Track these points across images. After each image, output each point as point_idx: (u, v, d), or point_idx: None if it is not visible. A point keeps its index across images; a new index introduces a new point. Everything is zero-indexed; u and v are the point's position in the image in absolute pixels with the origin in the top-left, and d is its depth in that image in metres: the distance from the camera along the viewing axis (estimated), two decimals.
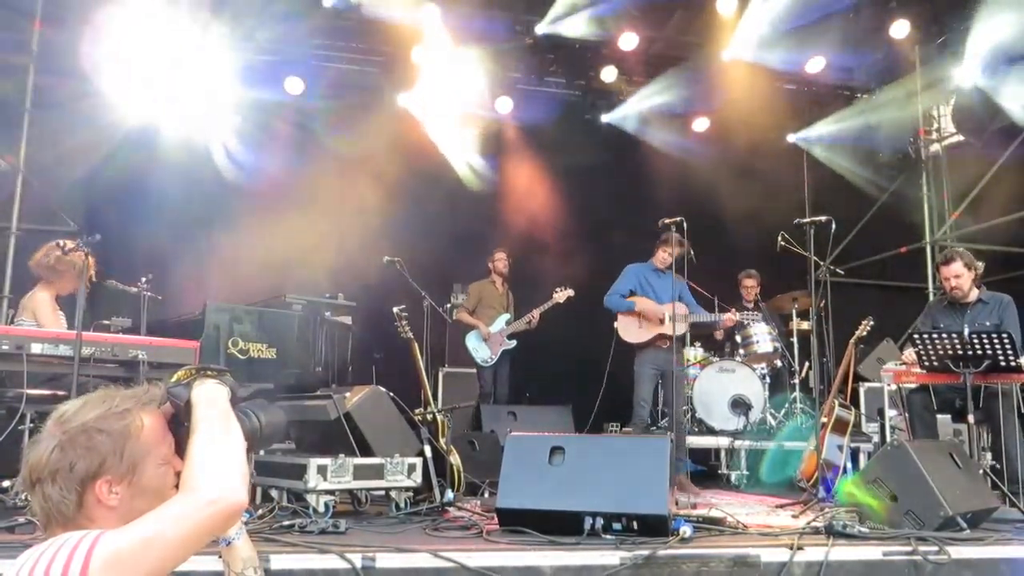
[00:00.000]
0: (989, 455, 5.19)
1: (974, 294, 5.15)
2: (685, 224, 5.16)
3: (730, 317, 6.24)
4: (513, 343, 7.51)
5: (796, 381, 7.37)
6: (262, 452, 4.31)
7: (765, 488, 5.96)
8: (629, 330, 6.08)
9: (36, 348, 3.97)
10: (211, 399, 1.48)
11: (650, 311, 6.00)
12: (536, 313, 7.38)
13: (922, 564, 3.18)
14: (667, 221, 5.33)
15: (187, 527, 1.27)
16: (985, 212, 8.62)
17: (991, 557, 3.30)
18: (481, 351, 7.48)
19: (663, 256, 6.02)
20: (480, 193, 8.83)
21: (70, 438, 1.38)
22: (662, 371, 6.05)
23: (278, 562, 2.81)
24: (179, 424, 1.51)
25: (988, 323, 4.97)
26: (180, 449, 1.49)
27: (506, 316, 7.61)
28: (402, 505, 4.21)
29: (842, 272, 7.63)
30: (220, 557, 1.72)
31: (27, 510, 3.42)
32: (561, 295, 7.25)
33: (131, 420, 1.43)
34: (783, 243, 5.63)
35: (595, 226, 8.61)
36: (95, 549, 1.22)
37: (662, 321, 5.95)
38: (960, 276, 5.07)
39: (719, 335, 7.74)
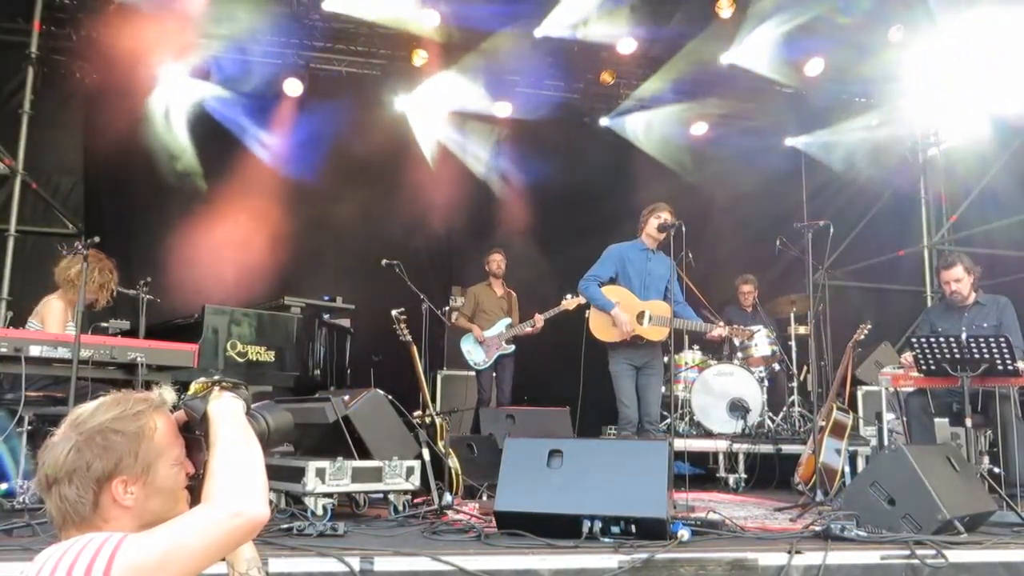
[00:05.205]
0: (987, 458, 5.20)
1: (972, 297, 5.23)
2: (683, 228, 5.16)
3: (720, 332, 5.64)
4: (511, 348, 7.37)
5: (794, 384, 7.38)
6: None
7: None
8: (601, 327, 5.53)
9: (35, 350, 3.97)
10: (229, 412, 1.52)
11: (625, 321, 5.41)
12: (540, 318, 7.14)
13: (920, 568, 3.18)
14: (666, 224, 5.33)
15: (210, 538, 1.30)
16: (983, 215, 8.64)
17: (989, 561, 3.30)
18: (475, 354, 7.34)
19: (656, 224, 5.41)
20: (479, 196, 8.84)
21: (87, 439, 1.41)
22: (639, 367, 5.52)
23: (276, 565, 2.81)
24: (189, 430, 1.57)
25: (986, 325, 5.03)
26: (188, 453, 1.56)
27: (506, 320, 7.46)
28: (400, 508, 4.20)
29: (840, 275, 7.64)
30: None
31: (25, 513, 3.41)
32: (571, 303, 6.92)
33: (145, 422, 1.47)
34: (781, 246, 5.64)
35: (593, 229, 8.61)
36: (118, 553, 1.25)
37: (640, 319, 5.43)
38: (960, 280, 5.14)
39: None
